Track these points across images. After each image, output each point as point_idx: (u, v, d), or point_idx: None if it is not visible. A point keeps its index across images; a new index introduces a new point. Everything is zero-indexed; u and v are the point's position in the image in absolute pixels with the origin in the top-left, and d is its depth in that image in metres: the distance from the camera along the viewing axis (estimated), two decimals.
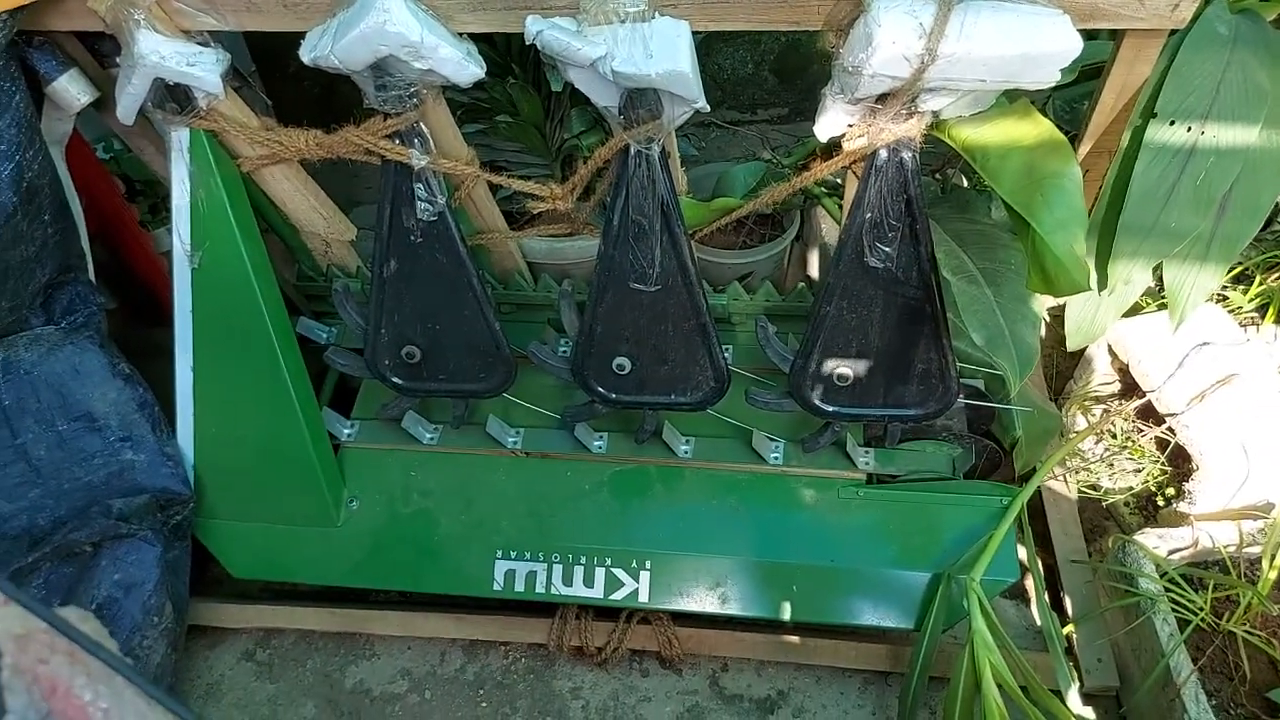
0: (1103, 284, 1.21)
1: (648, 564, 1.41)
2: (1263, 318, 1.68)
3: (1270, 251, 1.78)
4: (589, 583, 1.42)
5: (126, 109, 1.23)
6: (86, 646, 0.36)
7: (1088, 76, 1.38)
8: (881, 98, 1.09)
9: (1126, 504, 1.61)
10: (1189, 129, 1.12)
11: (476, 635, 1.53)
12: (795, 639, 1.48)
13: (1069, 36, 1.01)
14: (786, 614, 1.39)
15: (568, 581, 1.42)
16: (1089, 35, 1.27)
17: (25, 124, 1.23)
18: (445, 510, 1.47)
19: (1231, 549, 1.36)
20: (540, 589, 1.42)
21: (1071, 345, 1.30)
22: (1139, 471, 1.62)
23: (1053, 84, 1.05)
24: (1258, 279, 1.73)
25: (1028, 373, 1.18)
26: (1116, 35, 1.10)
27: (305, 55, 1.13)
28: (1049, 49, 1.01)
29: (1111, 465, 1.65)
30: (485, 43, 1.20)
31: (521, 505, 1.47)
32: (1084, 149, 1.22)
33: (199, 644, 1.57)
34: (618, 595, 1.41)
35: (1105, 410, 1.67)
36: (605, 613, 1.49)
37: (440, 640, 1.55)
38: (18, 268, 1.29)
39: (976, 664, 1.26)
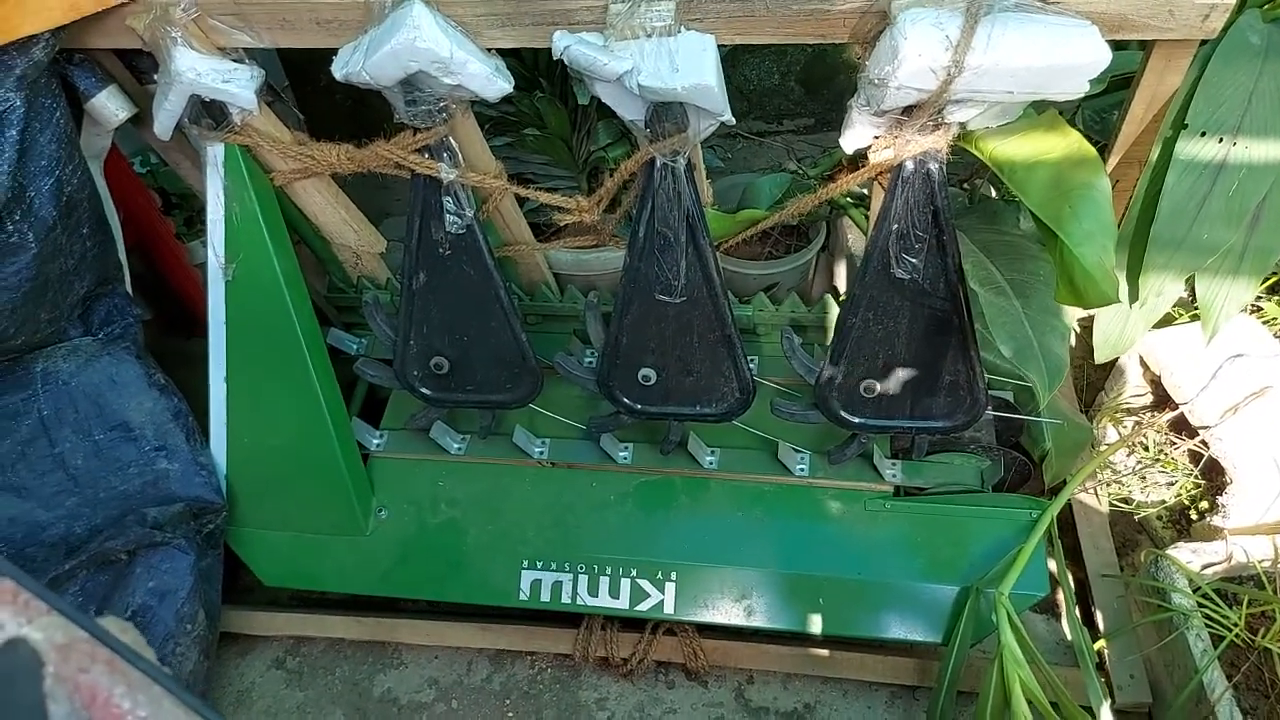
0: (1134, 296, 1.20)
1: (673, 575, 1.42)
2: None
3: None
4: (614, 593, 1.42)
5: (163, 125, 1.26)
6: (126, 656, 0.37)
7: (1117, 86, 1.37)
8: (908, 109, 1.09)
9: (1159, 518, 1.59)
10: (1220, 140, 1.11)
11: (503, 645, 1.53)
12: (822, 652, 1.48)
13: (1097, 48, 1.00)
14: (813, 627, 1.39)
15: (593, 592, 1.42)
16: (1118, 46, 1.27)
17: (65, 139, 1.26)
18: (472, 520, 1.48)
19: (1266, 564, 1.34)
20: (566, 599, 1.42)
21: (1100, 357, 1.28)
22: (1171, 485, 1.60)
23: (1081, 95, 1.05)
24: None
25: (1057, 385, 1.17)
26: (1146, 46, 1.10)
27: (337, 71, 1.15)
28: (1077, 60, 1.01)
29: (1144, 478, 1.63)
30: (513, 57, 1.21)
31: (547, 515, 1.47)
32: (1113, 160, 1.22)
33: (230, 651, 1.59)
34: (643, 606, 1.41)
35: (1137, 423, 1.65)
36: (631, 624, 1.49)
37: (467, 650, 1.56)
38: (57, 280, 1.32)
39: (1006, 679, 1.25)
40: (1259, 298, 1.74)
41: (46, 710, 0.34)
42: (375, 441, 1.56)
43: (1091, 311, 1.29)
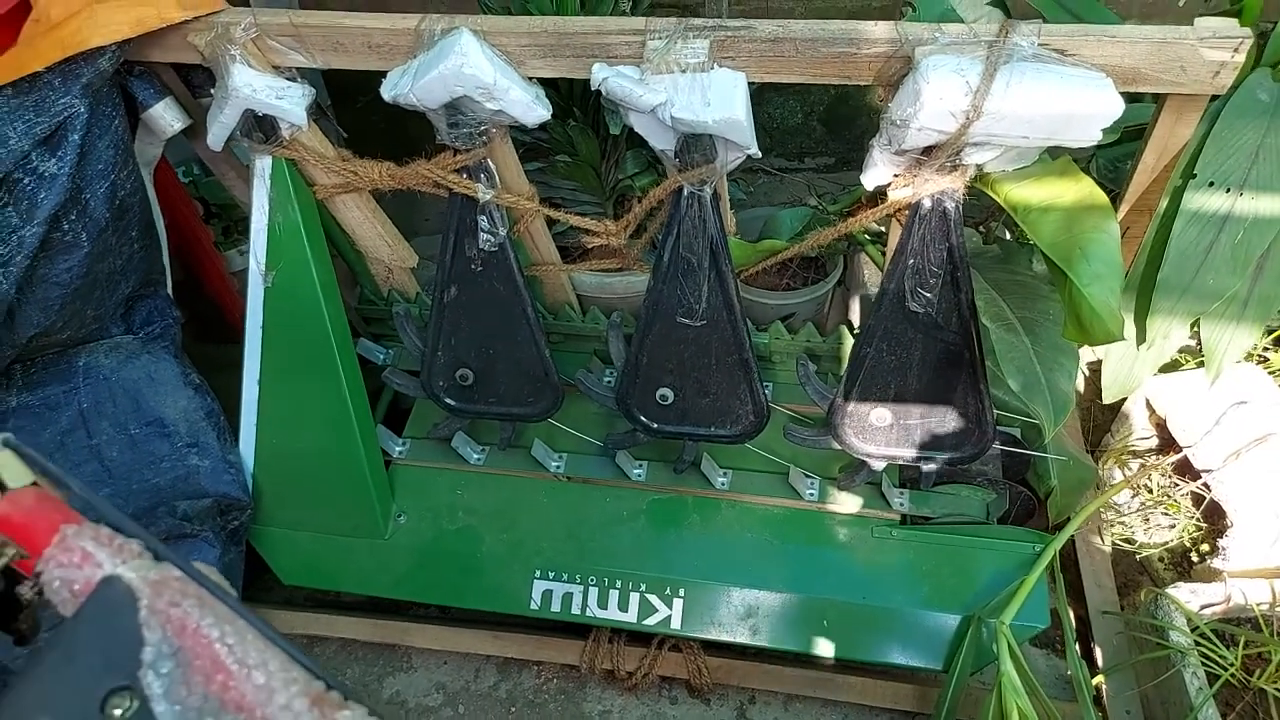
0: (1141, 338, 1.24)
1: (681, 591, 1.45)
2: None
3: None
4: (623, 606, 1.45)
5: (217, 136, 1.32)
6: (214, 592, 0.41)
7: (1131, 137, 1.42)
8: (927, 150, 1.14)
9: (1161, 559, 1.62)
10: (1227, 192, 1.15)
11: (511, 653, 1.57)
12: (824, 674, 1.51)
13: (1110, 99, 1.05)
14: (816, 649, 1.42)
15: (603, 604, 1.46)
16: (1133, 98, 1.32)
17: (121, 146, 1.32)
18: (488, 529, 1.52)
19: (1264, 606, 1.37)
20: (576, 610, 1.46)
21: (1108, 397, 1.32)
22: (1174, 527, 1.63)
23: (1094, 143, 1.10)
24: None
25: (1062, 420, 1.21)
26: (1159, 99, 1.15)
27: (386, 93, 1.21)
28: (1091, 110, 1.05)
29: (1147, 520, 1.66)
30: (549, 86, 1.27)
31: (561, 528, 1.51)
32: (1125, 208, 1.26)
33: None
34: (650, 621, 1.45)
35: (1142, 464, 1.69)
36: (637, 638, 1.53)
37: (476, 656, 1.59)
38: (105, 279, 1.38)
39: (1004, 708, 1.28)
40: (1265, 348, 1.78)
41: (142, 637, 0.39)
42: (398, 449, 1.61)
43: (1100, 354, 1.34)
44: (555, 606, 1.46)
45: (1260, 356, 1.77)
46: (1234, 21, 1.05)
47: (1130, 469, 1.70)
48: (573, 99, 1.59)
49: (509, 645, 1.57)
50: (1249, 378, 1.58)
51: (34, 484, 0.50)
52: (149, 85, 1.34)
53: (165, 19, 1.22)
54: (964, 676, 1.36)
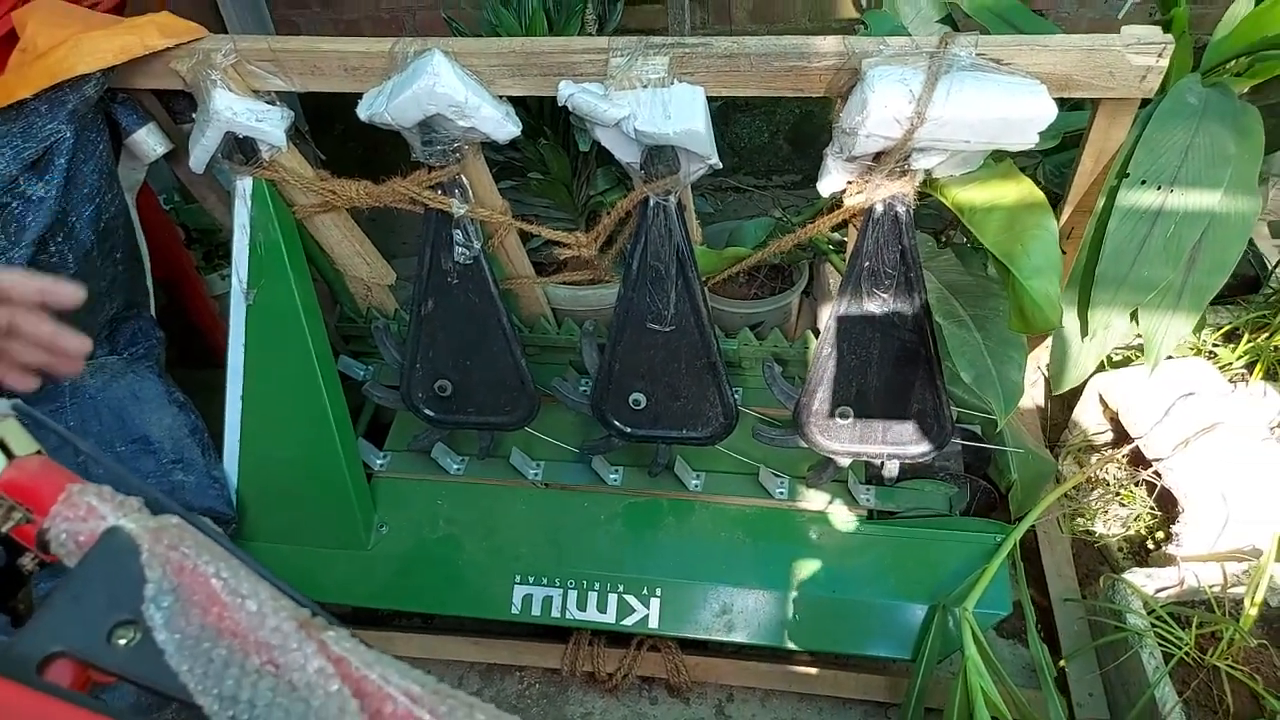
0: (1084, 330, 1.31)
1: (658, 591, 1.49)
2: (1251, 374, 1.76)
3: (1259, 311, 1.87)
4: (602, 608, 1.49)
5: (198, 159, 1.37)
6: (209, 534, 0.46)
7: (1072, 143, 1.49)
8: (877, 156, 1.21)
9: (1120, 548, 1.68)
10: (1159, 189, 1.22)
11: (493, 659, 1.60)
12: (799, 669, 1.55)
13: (1045, 104, 1.12)
14: (789, 642, 1.46)
15: (582, 606, 1.50)
16: (1075, 105, 1.39)
17: (106, 171, 1.37)
18: (469, 537, 1.56)
19: (1216, 589, 1.42)
20: (556, 613, 1.49)
21: (1058, 389, 1.39)
22: (1131, 517, 1.69)
23: (1032, 145, 1.16)
24: (1246, 337, 1.81)
25: (1012, 408, 1.27)
26: (1093, 104, 1.22)
27: (362, 113, 1.26)
28: (1027, 114, 1.12)
29: (1105, 511, 1.72)
30: (519, 106, 1.33)
31: (540, 534, 1.55)
32: (1068, 209, 1.33)
33: None
34: (629, 621, 1.49)
35: (1098, 457, 1.75)
36: (617, 640, 1.56)
37: (459, 664, 1.62)
38: (90, 301, 1.41)
39: (969, 691, 1.33)
40: (1215, 344, 1.85)
41: (144, 577, 0.43)
42: (379, 461, 1.65)
43: (1049, 346, 1.41)
44: (536, 610, 1.50)
45: (1210, 352, 1.84)
46: (1157, 29, 1.12)
47: (1088, 462, 1.76)
48: (543, 118, 1.65)
49: (491, 651, 1.60)
50: (1196, 370, 1.64)
51: (38, 452, 0.54)
52: (132, 111, 1.39)
53: (148, 46, 1.27)
54: (931, 664, 1.41)
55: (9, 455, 0.54)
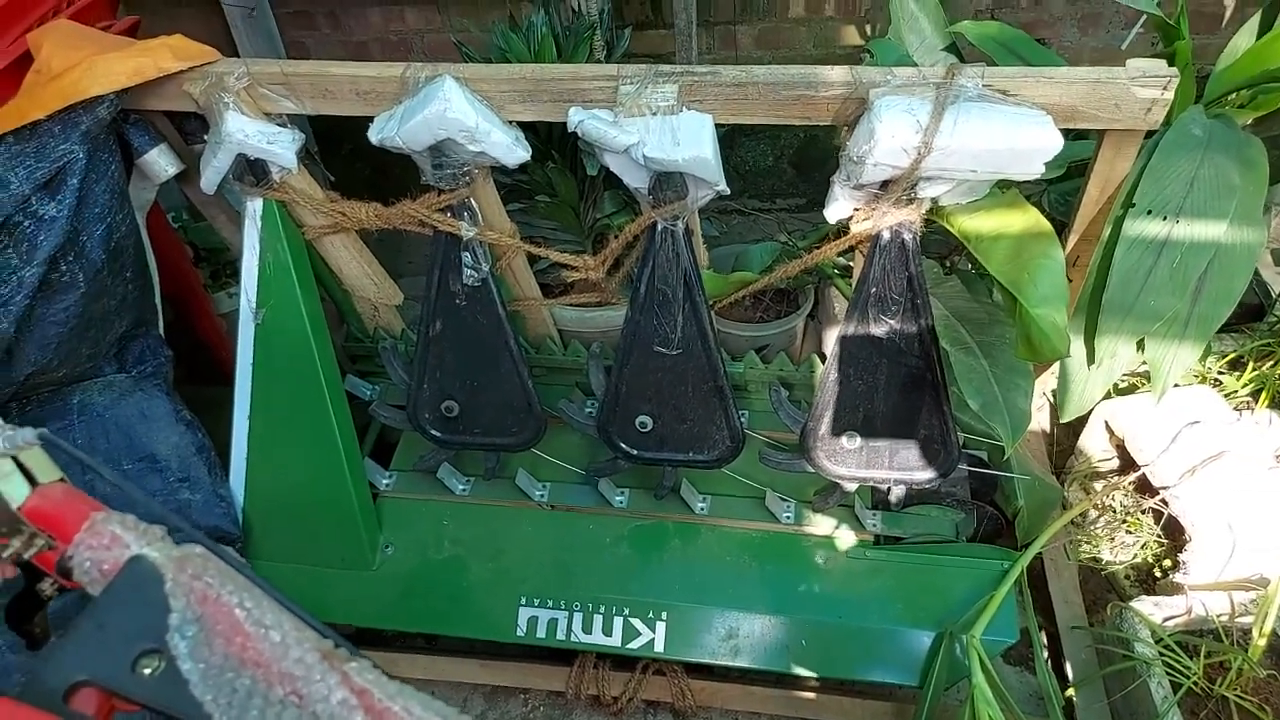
0: (1091, 358, 1.31)
1: (664, 615, 1.49)
2: (1256, 402, 1.77)
3: (1264, 340, 1.88)
4: (607, 631, 1.49)
5: (210, 180, 1.38)
6: (234, 565, 0.46)
7: (1078, 172, 1.50)
8: (884, 185, 1.21)
9: (1127, 576, 1.67)
10: (1165, 219, 1.23)
11: (498, 681, 1.60)
12: (804, 694, 1.54)
13: (1051, 134, 1.13)
14: (795, 668, 1.45)
15: (587, 629, 1.49)
16: (1079, 135, 1.40)
17: (117, 191, 1.38)
18: (474, 558, 1.56)
19: (1224, 618, 1.42)
20: (561, 635, 1.49)
21: (1064, 416, 1.39)
22: (1138, 545, 1.69)
23: (1038, 176, 1.17)
24: (1251, 365, 1.82)
25: (1019, 435, 1.27)
26: (1098, 135, 1.23)
27: (373, 136, 1.27)
28: (1033, 145, 1.13)
29: (1112, 539, 1.72)
30: (529, 130, 1.34)
31: (546, 555, 1.55)
32: (1073, 238, 1.34)
33: None
34: (634, 644, 1.48)
35: (1104, 484, 1.75)
36: (622, 663, 1.56)
37: (464, 685, 1.61)
38: (100, 318, 1.42)
39: (977, 718, 1.32)
40: (1220, 372, 1.86)
41: (168, 606, 0.43)
42: (385, 481, 1.65)
43: (1056, 373, 1.41)
44: (541, 633, 1.49)
45: (1215, 380, 1.85)
46: (1162, 62, 1.13)
47: (1094, 490, 1.76)
48: (551, 142, 1.66)
49: (496, 673, 1.59)
50: (1201, 398, 1.65)
51: (60, 479, 0.55)
52: (144, 132, 1.40)
53: (162, 69, 1.28)
54: (939, 691, 1.40)
55: (33, 482, 0.54)
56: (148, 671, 0.41)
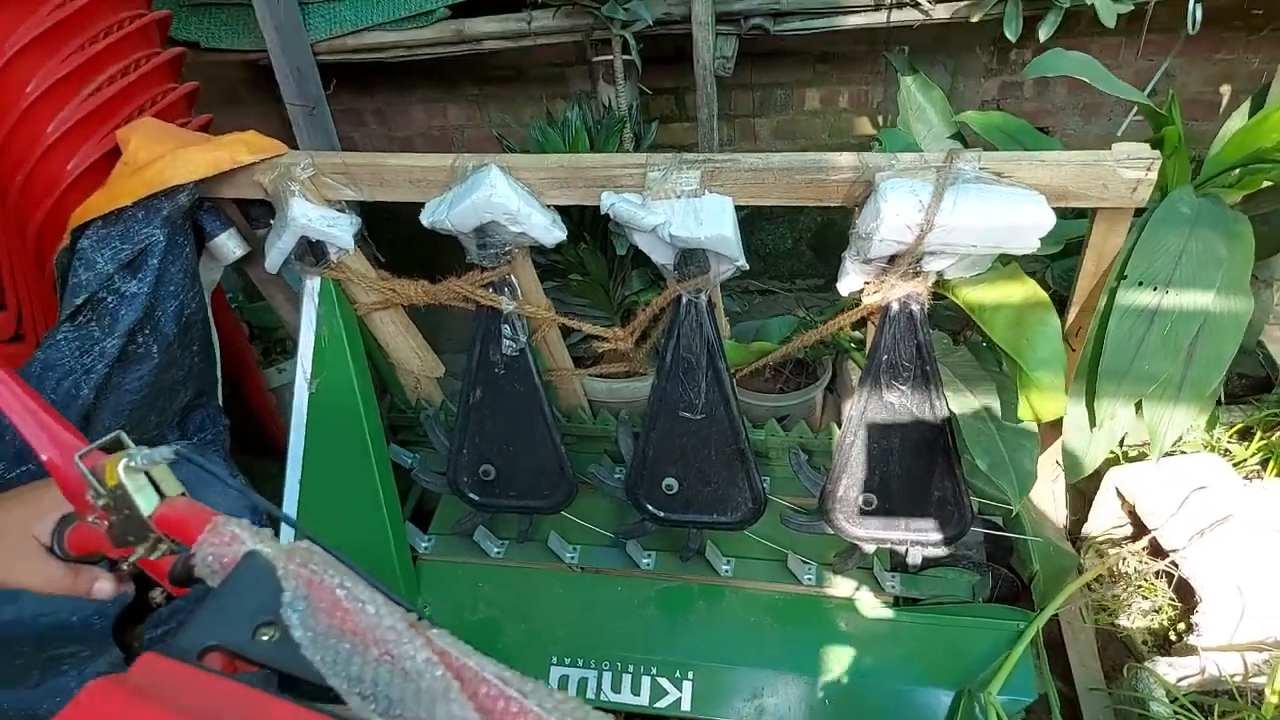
0: (1092, 421, 1.39)
1: (690, 675, 1.54)
2: (1264, 470, 1.82)
3: (1271, 410, 1.94)
4: (635, 690, 1.54)
5: (274, 260, 1.51)
6: (336, 556, 0.55)
7: (1077, 249, 1.60)
8: (891, 259, 1.32)
9: (1144, 640, 1.70)
10: (1155, 290, 1.32)
11: None
12: None
13: (1043, 212, 1.23)
14: None
15: (616, 689, 1.54)
16: (1077, 214, 1.50)
17: (190, 270, 1.51)
18: (508, 619, 1.63)
19: (1238, 678, 1.45)
20: (591, 694, 1.54)
21: (1071, 478, 1.45)
22: (1156, 611, 1.72)
23: (1035, 250, 1.27)
24: (1259, 435, 1.88)
25: (1025, 493, 1.34)
26: (1091, 213, 1.33)
27: (425, 219, 1.40)
28: (1028, 222, 1.23)
29: (1129, 604, 1.76)
30: (563, 213, 1.46)
31: (576, 616, 1.61)
32: (1074, 309, 1.42)
33: None
34: (662, 703, 1.53)
35: (1117, 550, 1.79)
36: None
37: None
38: (168, 388, 1.54)
39: None
40: (1229, 442, 1.92)
41: (281, 587, 0.52)
42: (424, 544, 1.73)
43: (1062, 440, 1.48)
44: (571, 691, 1.55)
45: (1224, 450, 1.90)
46: (1145, 146, 1.24)
47: (1108, 555, 1.80)
48: (584, 225, 1.79)
49: None
50: (1210, 465, 1.70)
51: (182, 494, 0.64)
52: (216, 218, 1.54)
53: (237, 161, 1.42)
54: None
55: (161, 495, 0.64)
56: (265, 638, 0.50)
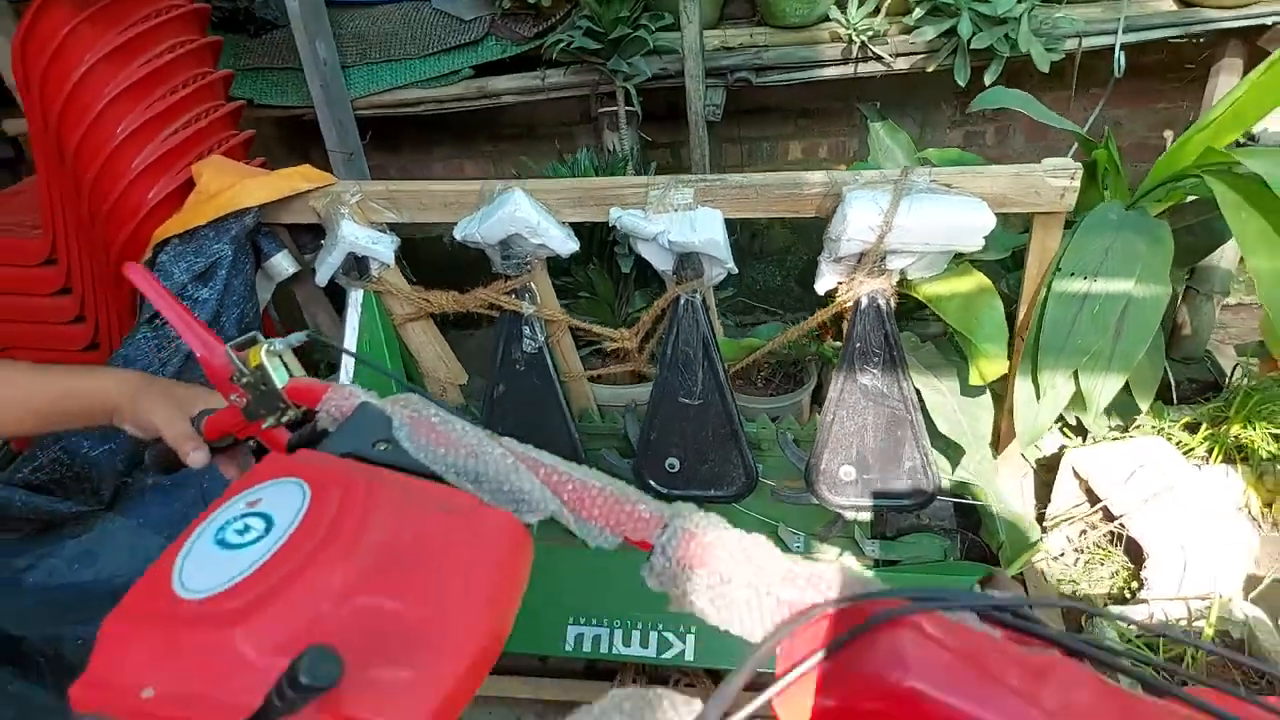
0: (1037, 393, 1.59)
1: (693, 629, 1.71)
2: (1210, 458, 2.02)
3: (1217, 406, 2.14)
4: (644, 644, 1.71)
5: (323, 275, 1.74)
6: (432, 400, 0.76)
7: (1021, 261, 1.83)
8: (859, 260, 1.54)
9: (1104, 603, 1.88)
10: (1085, 279, 1.54)
11: (546, 696, 1.80)
12: None
13: (985, 215, 1.45)
14: None
15: (627, 643, 1.72)
16: (1025, 229, 1.71)
17: (250, 284, 1.74)
18: (530, 589, 1.80)
19: (1183, 622, 1.63)
20: (604, 649, 1.72)
21: (1023, 444, 1.66)
22: (1113, 576, 1.90)
23: (979, 249, 1.49)
24: (1204, 427, 2.08)
25: (981, 448, 1.54)
26: (1029, 220, 1.55)
27: (457, 234, 1.63)
28: (972, 223, 1.46)
29: (1089, 572, 1.94)
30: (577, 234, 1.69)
31: (589, 582, 1.79)
32: (1023, 306, 1.64)
33: None
34: (668, 655, 1.70)
35: (1073, 519, 1.98)
36: (659, 679, 1.77)
37: (519, 701, 1.82)
38: None
39: None
40: (1179, 432, 2.11)
41: (390, 420, 0.73)
42: None
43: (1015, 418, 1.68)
44: (586, 647, 1.72)
45: (1176, 441, 2.10)
46: (1070, 160, 1.47)
47: (1069, 525, 1.99)
48: (592, 248, 2.03)
49: (547, 690, 1.80)
50: (1156, 447, 1.90)
51: (304, 374, 0.85)
52: (271, 240, 1.78)
53: (295, 189, 1.66)
54: None
55: (290, 373, 0.85)
56: (382, 448, 0.70)
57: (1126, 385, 1.71)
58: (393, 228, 1.73)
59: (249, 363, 0.83)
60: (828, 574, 0.59)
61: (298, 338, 0.84)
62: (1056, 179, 1.47)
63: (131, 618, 0.53)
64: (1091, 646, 0.51)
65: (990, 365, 1.44)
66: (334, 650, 0.44)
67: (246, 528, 0.57)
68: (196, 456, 0.93)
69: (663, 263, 1.63)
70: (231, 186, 1.64)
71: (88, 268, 1.72)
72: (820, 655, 0.51)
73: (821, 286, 1.63)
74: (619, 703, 0.55)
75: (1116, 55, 2.08)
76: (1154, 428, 2.08)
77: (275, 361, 0.83)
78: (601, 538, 0.68)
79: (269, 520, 0.57)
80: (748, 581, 0.60)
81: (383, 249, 1.70)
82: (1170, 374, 2.09)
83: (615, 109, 2.23)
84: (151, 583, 0.54)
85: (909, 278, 1.61)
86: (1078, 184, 1.48)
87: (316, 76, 2.06)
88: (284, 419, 0.85)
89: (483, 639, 0.58)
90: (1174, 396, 2.22)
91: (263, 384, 0.82)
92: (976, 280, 1.56)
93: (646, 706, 0.55)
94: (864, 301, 1.58)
